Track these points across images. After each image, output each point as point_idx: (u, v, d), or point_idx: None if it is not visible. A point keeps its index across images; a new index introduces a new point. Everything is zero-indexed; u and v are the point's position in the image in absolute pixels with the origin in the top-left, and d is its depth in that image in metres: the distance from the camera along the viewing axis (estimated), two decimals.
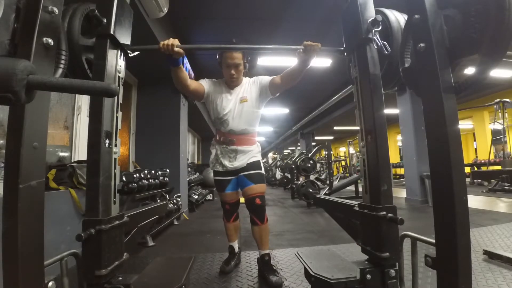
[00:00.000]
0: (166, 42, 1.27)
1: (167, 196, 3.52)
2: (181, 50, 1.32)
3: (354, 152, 13.15)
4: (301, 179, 5.94)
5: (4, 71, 0.47)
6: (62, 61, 0.96)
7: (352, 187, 6.13)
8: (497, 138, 7.39)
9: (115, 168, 1.13)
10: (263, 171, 1.83)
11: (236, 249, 1.98)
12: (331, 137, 16.95)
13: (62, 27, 0.97)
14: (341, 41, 1.40)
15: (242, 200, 1.80)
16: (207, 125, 7.53)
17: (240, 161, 1.77)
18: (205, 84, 1.77)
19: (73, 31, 1.05)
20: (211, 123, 1.75)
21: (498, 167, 7.18)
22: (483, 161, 8.64)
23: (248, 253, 2.22)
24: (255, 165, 1.79)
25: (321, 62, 4.77)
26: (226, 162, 1.78)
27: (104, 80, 1.08)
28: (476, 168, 8.72)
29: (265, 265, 1.73)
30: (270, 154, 15.69)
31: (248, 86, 1.82)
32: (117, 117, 1.16)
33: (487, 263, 1.83)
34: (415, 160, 4.86)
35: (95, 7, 1.09)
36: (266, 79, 1.81)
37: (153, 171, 3.16)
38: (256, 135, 1.89)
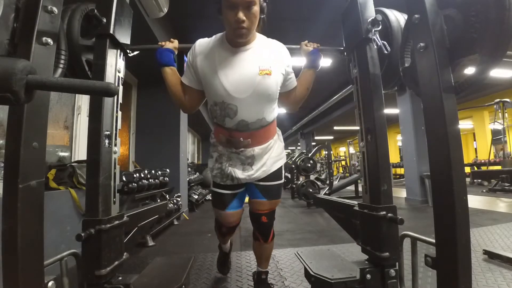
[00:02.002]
0: (165, 42, 1.25)
1: (167, 196, 3.52)
2: (175, 41, 1.23)
3: (354, 152, 13.14)
4: (301, 179, 5.94)
5: (3, 71, 0.47)
6: (62, 61, 0.96)
7: (352, 187, 6.13)
8: (497, 138, 7.39)
9: (115, 168, 1.13)
10: (283, 179, 1.34)
11: (227, 248, 1.73)
12: (331, 137, 16.96)
13: (61, 27, 0.97)
14: (341, 42, 1.40)
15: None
16: (207, 125, 7.53)
17: (260, 170, 1.23)
18: (191, 78, 1.17)
19: (72, 30, 1.05)
20: (208, 115, 1.36)
21: (498, 167, 7.18)
22: (483, 161, 8.64)
23: (248, 253, 2.22)
24: (277, 173, 1.28)
25: (321, 62, 4.76)
26: (238, 173, 1.23)
27: (104, 80, 1.08)
28: (476, 168, 8.72)
29: (261, 283, 1.42)
30: None
31: (270, 51, 1.16)
32: (117, 117, 1.15)
33: (487, 263, 1.83)
34: (415, 160, 4.86)
35: (94, 7, 1.09)
36: (294, 79, 1.26)
37: (153, 171, 3.16)
38: (275, 120, 1.30)
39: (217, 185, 1.31)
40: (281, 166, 1.31)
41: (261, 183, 1.26)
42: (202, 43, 1.16)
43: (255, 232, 1.36)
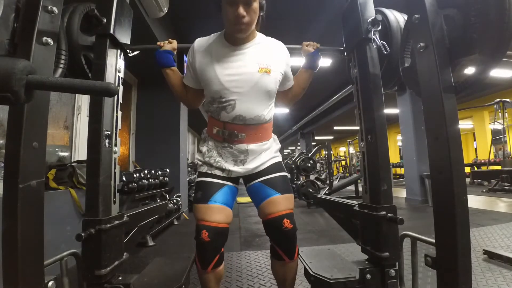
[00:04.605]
0: (163, 42, 1.24)
1: (167, 196, 3.52)
2: (173, 42, 1.23)
3: (354, 152, 13.15)
4: (301, 179, 5.94)
5: (3, 71, 0.47)
6: (62, 61, 0.96)
7: (352, 187, 6.13)
8: (497, 138, 7.38)
9: (115, 168, 1.13)
10: (286, 172, 1.21)
11: None
12: (331, 137, 16.97)
13: (61, 27, 0.97)
14: (341, 41, 1.40)
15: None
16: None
17: (255, 162, 1.14)
18: (191, 78, 1.16)
19: (72, 30, 1.05)
20: (204, 109, 1.19)
21: (498, 167, 7.18)
22: (483, 161, 8.64)
23: (248, 253, 2.22)
24: (276, 166, 1.18)
25: (321, 62, 4.77)
26: (230, 166, 1.12)
27: (103, 79, 1.08)
28: (476, 168, 8.72)
29: None
30: None
31: (269, 49, 1.15)
32: (117, 117, 1.16)
33: (487, 263, 1.83)
34: (415, 160, 4.86)
35: (94, 7, 1.09)
36: (292, 79, 1.25)
37: (153, 171, 3.16)
38: (272, 123, 1.21)
39: (202, 174, 1.13)
40: (279, 162, 1.21)
41: (263, 178, 1.13)
42: (200, 42, 1.16)
43: (275, 248, 1.10)
